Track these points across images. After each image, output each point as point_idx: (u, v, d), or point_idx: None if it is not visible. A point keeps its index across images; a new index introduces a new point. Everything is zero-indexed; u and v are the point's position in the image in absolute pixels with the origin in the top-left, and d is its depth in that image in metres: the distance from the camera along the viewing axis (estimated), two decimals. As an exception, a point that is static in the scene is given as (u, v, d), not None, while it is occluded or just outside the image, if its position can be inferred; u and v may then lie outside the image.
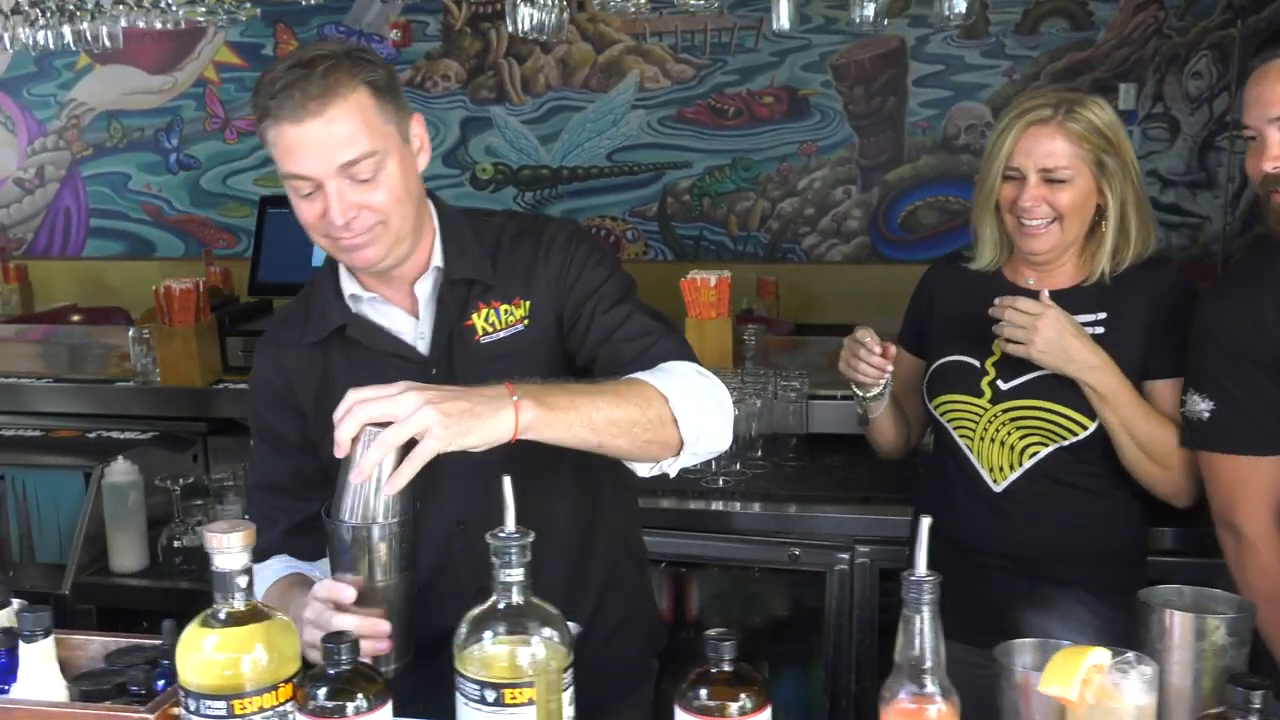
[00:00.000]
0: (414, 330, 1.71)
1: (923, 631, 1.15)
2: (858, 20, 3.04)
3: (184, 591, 2.85)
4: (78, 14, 3.42)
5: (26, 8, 3.38)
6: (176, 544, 2.92)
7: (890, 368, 2.06)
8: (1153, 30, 5.46)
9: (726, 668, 1.20)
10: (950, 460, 2.10)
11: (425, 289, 1.70)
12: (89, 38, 3.45)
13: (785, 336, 3.96)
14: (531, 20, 3.21)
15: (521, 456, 1.43)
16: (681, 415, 1.54)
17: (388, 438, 1.33)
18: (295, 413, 1.76)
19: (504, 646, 1.23)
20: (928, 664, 1.15)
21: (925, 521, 1.17)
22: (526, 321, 1.70)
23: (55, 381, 3.36)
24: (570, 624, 1.33)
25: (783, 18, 3.16)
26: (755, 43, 5.75)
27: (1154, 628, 1.31)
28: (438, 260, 1.69)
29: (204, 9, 3.36)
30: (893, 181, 5.72)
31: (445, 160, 6.14)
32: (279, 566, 1.71)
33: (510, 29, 3.20)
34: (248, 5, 3.49)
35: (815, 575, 2.59)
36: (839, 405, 2.94)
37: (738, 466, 2.72)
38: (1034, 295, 1.98)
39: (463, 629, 1.24)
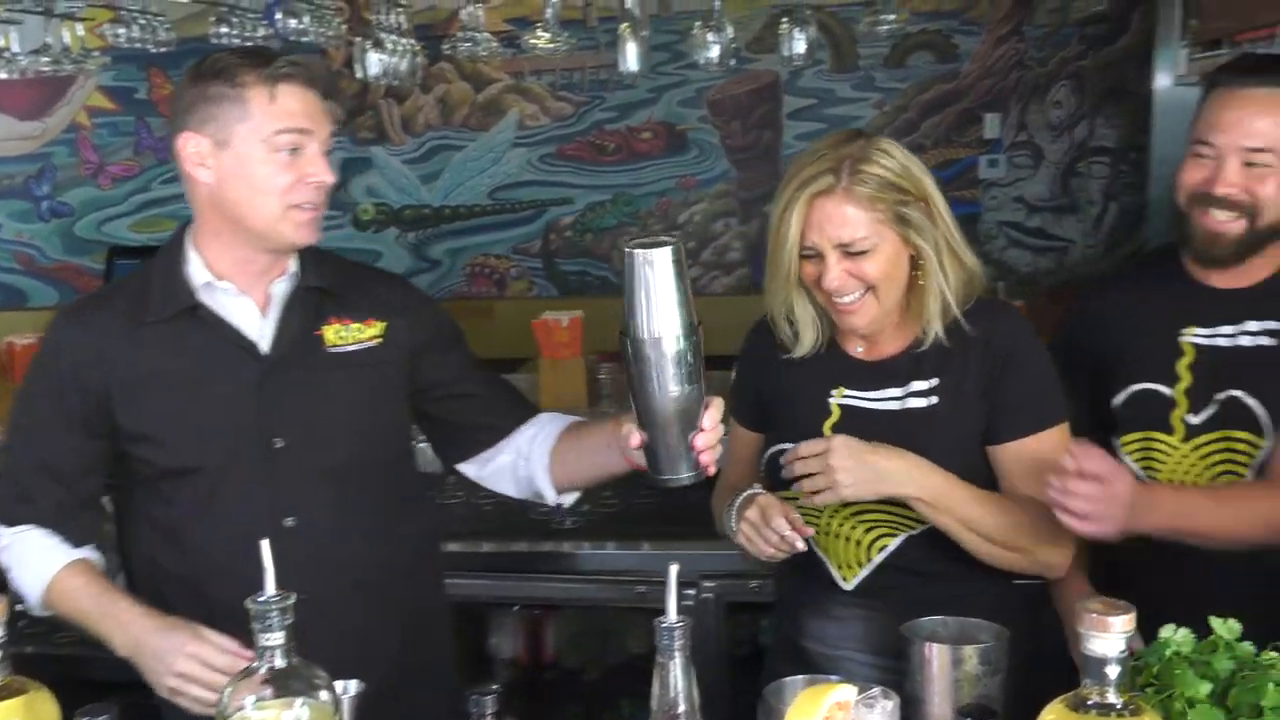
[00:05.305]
0: (259, 329, 1.84)
1: (676, 677, 1.17)
2: (701, 62, 3.09)
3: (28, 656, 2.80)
4: (-83, 64, 3.36)
5: None
6: None
7: (800, 544, 1.75)
8: (1014, 61, 5.62)
9: (490, 720, 1.22)
10: (805, 558, 1.83)
11: (281, 290, 1.85)
12: (-70, 89, 3.38)
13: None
14: (380, 65, 3.21)
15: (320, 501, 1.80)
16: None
17: None
18: (89, 393, 1.80)
19: (269, 711, 1.22)
20: (681, 709, 1.17)
21: (674, 568, 1.19)
22: (380, 340, 1.90)
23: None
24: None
25: (630, 60, 3.21)
26: (633, 79, 5.81)
27: (914, 659, 1.35)
28: (293, 267, 1.86)
29: (48, 59, 3.31)
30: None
31: (326, 202, 6.11)
32: (47, 543, 1.80)
33: (360, 76, 3.20)
34: (95, 54, 3.44)
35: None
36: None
37: (587, 507, 2.73)
38: (867, 368, 1.84)
39: (225, 694, 1.23)
